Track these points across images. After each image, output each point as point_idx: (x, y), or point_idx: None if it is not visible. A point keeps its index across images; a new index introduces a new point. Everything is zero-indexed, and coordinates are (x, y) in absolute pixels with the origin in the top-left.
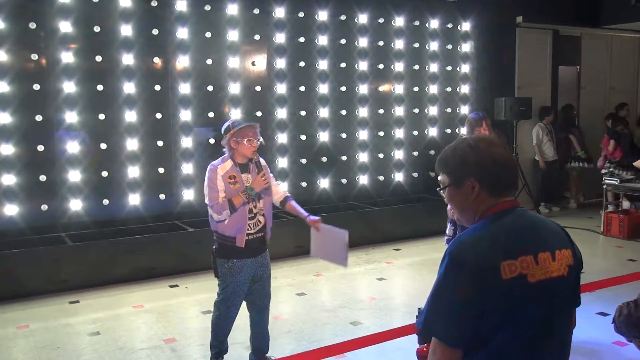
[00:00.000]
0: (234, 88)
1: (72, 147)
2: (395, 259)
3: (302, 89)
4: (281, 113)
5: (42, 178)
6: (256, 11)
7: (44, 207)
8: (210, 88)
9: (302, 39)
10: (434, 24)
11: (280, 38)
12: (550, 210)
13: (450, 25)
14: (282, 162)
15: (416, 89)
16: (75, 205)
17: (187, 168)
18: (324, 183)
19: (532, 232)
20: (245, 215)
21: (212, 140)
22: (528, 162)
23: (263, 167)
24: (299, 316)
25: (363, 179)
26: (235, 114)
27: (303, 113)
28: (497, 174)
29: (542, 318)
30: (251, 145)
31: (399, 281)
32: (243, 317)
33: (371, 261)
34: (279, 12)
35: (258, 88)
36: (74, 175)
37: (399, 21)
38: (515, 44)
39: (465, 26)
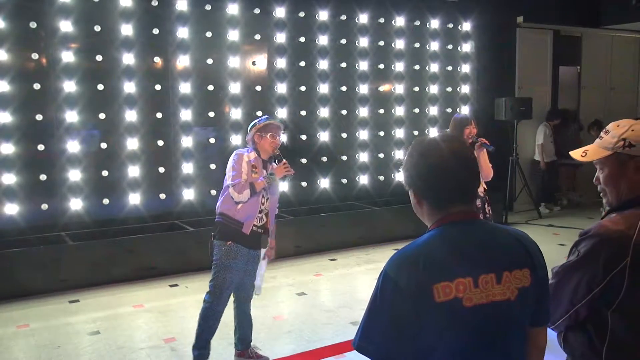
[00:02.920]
0: (235, 88)
1: (72, 146)
2: None
3: (303, 88)
4: (281, 113)
5: (43, 177)
6: (257, 11)
7: (44, 206)
8: (210, 88)
9: (302, 39)
10: (434, 24)
11: (280, 38)
12: (551, 210)
13: (450, 25)
14: None
15: (416, 89)
16: (76, 204)
17: (187, 168)
18: (324, 183)
19: (477, 250)
20: (258, 206)
21: (212, 140)
22: (528, 162)
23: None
24: (299, 316)
25: (363, 179)
26: (236, 113)
27: (303, 113)
28: (435, 184)
29: (480, 344)
30: (273, 141)
31: None
32: (226, 313)
33: (371, 261)
34: (280, 12)
35: (258, 88)
36: (74, 175)
37: (400, 21)
38: (516, 44)
39: (466, 26)
